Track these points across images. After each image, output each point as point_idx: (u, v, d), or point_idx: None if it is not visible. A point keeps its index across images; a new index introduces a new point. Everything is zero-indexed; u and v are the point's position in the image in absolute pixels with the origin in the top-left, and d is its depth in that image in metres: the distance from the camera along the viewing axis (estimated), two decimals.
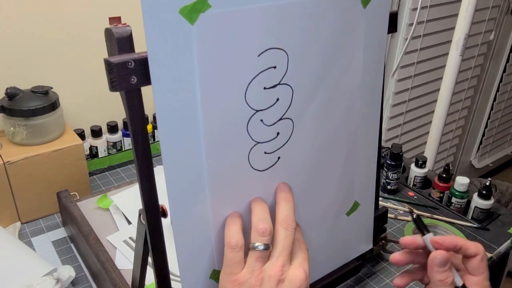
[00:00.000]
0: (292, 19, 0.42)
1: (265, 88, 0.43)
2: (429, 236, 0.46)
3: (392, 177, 0.89)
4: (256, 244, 0.42)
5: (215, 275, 0.47)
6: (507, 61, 2.01)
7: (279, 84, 0.43)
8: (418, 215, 0.48)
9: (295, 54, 0.43)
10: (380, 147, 0.60)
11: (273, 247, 0.43)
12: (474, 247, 0.45)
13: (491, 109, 2.10)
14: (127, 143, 1.00)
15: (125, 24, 0.36)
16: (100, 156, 0.97)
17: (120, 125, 1.00)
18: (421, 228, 0.47)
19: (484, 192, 0.84)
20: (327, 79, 0.47)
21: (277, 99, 0.44)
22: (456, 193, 0.86)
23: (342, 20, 0.46)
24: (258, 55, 0.41)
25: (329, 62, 0.47)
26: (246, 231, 0.44)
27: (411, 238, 0.47)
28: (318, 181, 0.52)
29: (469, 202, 0.87)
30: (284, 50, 0.42)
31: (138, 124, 0.38)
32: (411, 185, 0.95)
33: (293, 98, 0.45)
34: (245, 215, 0.46)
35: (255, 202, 0.46)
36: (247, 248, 0.42)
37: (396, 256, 0.48)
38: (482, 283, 0.45)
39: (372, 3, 0.48)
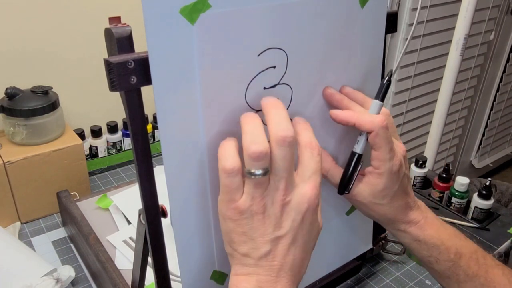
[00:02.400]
0: (292, 19, 0.42)
1: (265, 88, 0.43)
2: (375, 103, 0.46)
3: None
4: (252, 171, 0.36)
5: (215, 276, 0.47)
6: (507, 61, 2.01)
7: (278, 84, 0.43)
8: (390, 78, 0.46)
9: (294, 54, 0.43)
10: None
11: (299, 169, 0.38)
12: (368, 124, 0.44)
13: (491, 109, 2.10)
14: (127, 143, 1.00)
15: (125, 24, 0.36)
16: (100, 156, 0.97)
17: (120, 125, 1.00)
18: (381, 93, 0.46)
19: (484, 192, 0.83)
20: (325, 79, 0.47)
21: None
22: (456, 193, 0.86)
23: (340, 20, 0.46)
24: (258, 55, 0.41)
25: (327, 62, 0.47)
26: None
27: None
28: None
29: (469, 202, 0.87)
30: (283, 50, 0.42)
31: (138, 124, 0.38)
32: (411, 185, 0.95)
33: (292, 98, 0.45)
34: None
35: (245, 120, 0.38)
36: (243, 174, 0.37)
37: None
38: (379, 157, 0.45)
39: (370, 3, 0.48)
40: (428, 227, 0.48)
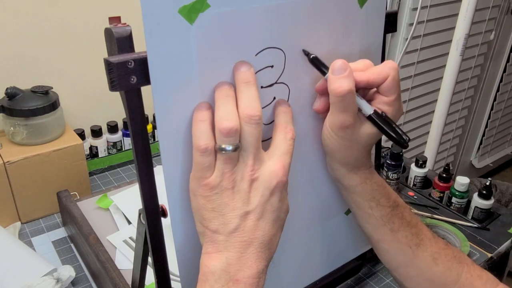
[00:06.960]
0: (290, 19, 0.42)
1: (262, 87, 0.43)
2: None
3: (392, 177, 0.89)
4: (223, 146, 0.37)
5: None
6: (507, 61, 2.01)
7: (276, 83, 0.43)
8: (315, 56, 0.44)
9: (292, 53, 0.43)
10: (380, 146, 0.60)
11: (270, 149, 0.40)
12: (383, 72, 0.43)
13: (491, 109, 2.10)
14: (127, 143, 1.00)
15: (125, 23, 0.36)
16: (100, 156, 0.97)
17: (120, 125, 1.00)
18: (321, 68, 0.44)
19: (484, 192, 0.84)
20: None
21: (274, 98, 0.44)
22: (456, 193, 0.86)
23: (338, 20, 0.46)
24: (256, 54, 0.41)
25: (325, 62, 0.47)
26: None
27: (323, 82, 0.44)
28: (315, 179, 0.52)
29: (469, 202, 0.87)
30: (281, 50, 0.42)
31: (138, 124, 0.38)
32: (411, 185, 0.95)
33: (289, 97, 0.45)
34: None
35: (218, 94, 0.39)
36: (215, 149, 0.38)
37: (316, 104, 0.46)
38: (394, 103, 0.43)
39: (369, 3, 0.48)
40: (375, 173, 0.50)
